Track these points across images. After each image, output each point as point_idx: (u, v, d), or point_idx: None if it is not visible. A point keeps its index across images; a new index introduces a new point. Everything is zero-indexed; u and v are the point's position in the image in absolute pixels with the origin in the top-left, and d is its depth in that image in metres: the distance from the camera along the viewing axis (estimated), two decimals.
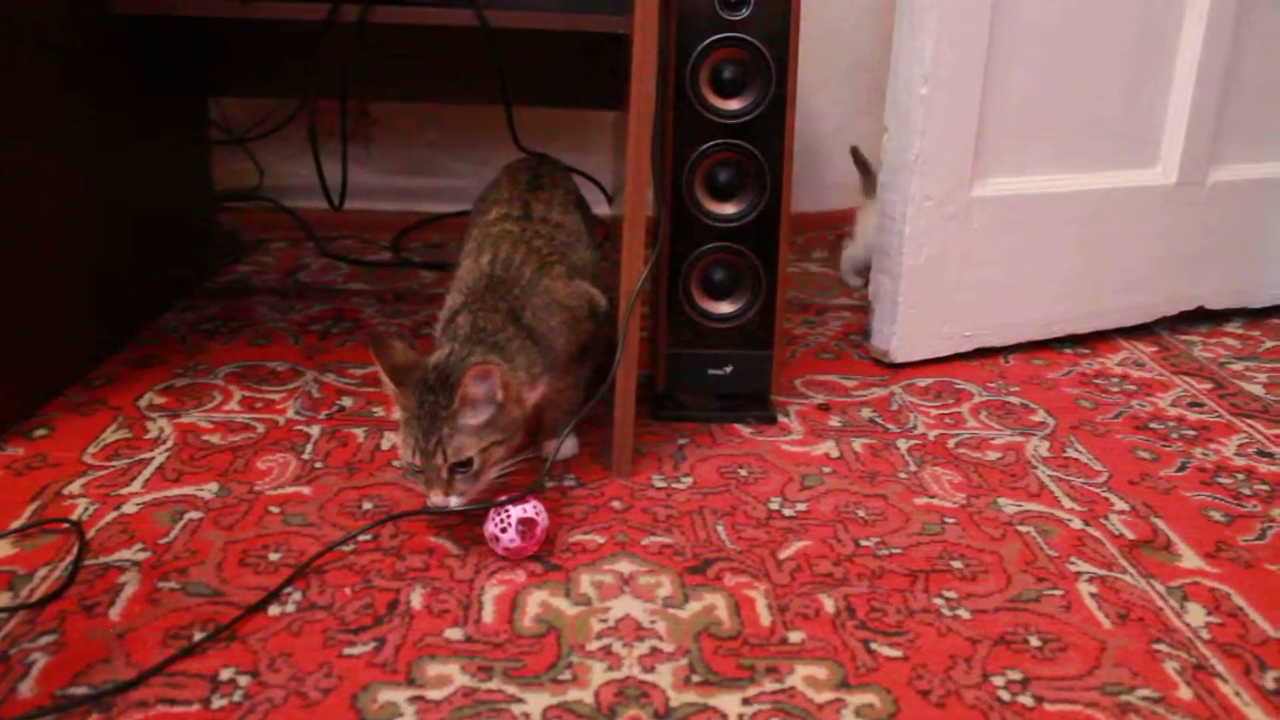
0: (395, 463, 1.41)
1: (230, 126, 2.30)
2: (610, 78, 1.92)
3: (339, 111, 2.08)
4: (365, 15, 1.71)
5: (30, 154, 1.53)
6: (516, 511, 1.21)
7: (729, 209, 1.53)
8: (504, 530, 1.21)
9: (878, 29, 2.37)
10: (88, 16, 1.67)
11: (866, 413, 1.65)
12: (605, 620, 1.12)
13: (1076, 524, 1.36)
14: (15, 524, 1.27)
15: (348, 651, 1.06)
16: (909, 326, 1.80)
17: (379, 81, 2.15)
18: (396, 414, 1.24)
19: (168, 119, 2.02)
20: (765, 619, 1.14)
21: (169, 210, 2.01)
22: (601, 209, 2.27)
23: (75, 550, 1.22)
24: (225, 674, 1.03)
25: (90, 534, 1.25)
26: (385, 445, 1.48)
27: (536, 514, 1.22)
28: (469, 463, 1.20)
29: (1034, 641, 1.12)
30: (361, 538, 1.25)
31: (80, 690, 1.00)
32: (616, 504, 1.35)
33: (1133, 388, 1.79)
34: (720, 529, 1.31)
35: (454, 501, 1.21)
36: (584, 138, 2.29)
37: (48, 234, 1.57)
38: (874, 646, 1.10)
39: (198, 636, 1.07)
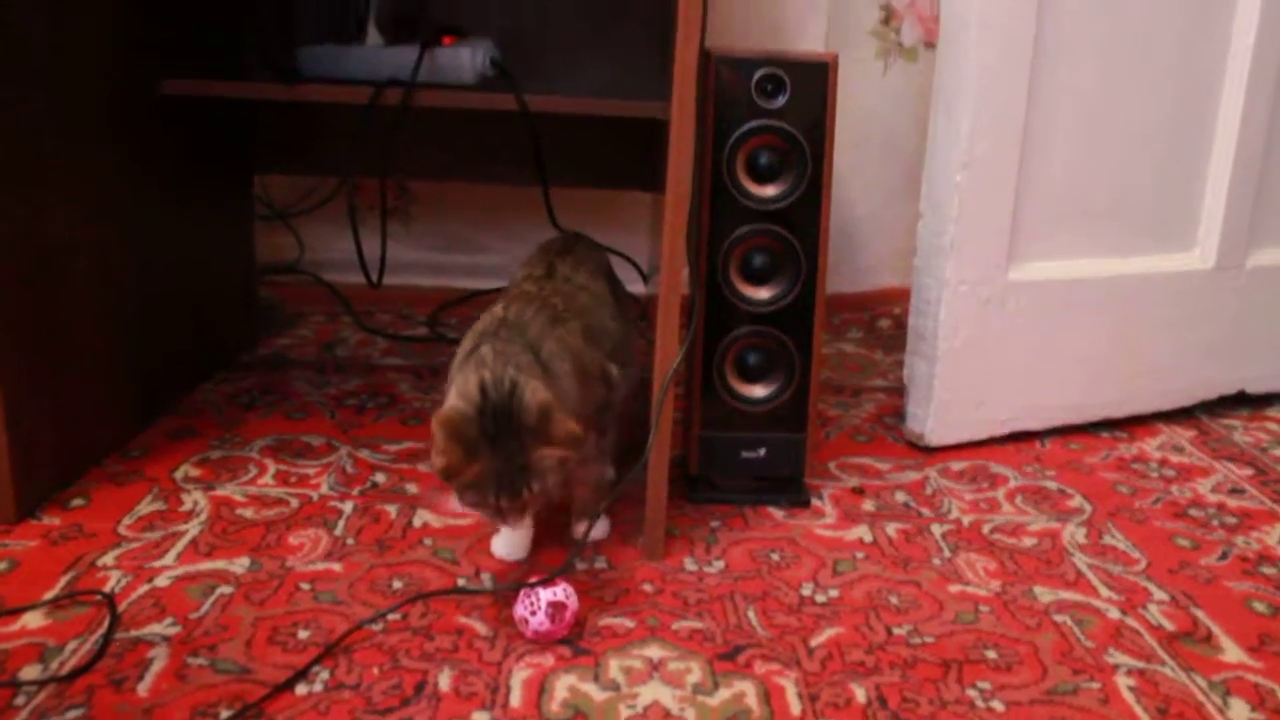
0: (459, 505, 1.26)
1: (272, 202, 2.34)
2: (647, 160, 1.95)
3: (379, 189, 2.12)
4: (408, 99, 1.75)
5: (75, 227, 1.56)
6: (546, 595, 1.21)
7: (764, 293, 1.53)
8: (533, 613, 1.20)
9: (913, 113, 2.39)
10: (135, 94, 1.71)
11: (900, 497, 1.64)
12: (633, 707, 1.11)
13: (1114, 614, 1.34)
14: (49, 595, 1.28)
15: None
16: (944, 410, 1.79)
17: (419, 160, 2.19)
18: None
19: (212, 195, 2.06)
20: (795, 708, 1.12)
21: (210, 283, 2.04)
22: (637, 287, 2.29)
23: (106, 623, 1.22)
24: None
25: (122, 607, 1.26)
26: (417, 523, 1.48)
27: (566, 597, 1.21)
28: (534, 493, 1.20)
29: None
30: (391, 617, 1.25)
31: None
32: (647, 587, 1.35)
33: (1172, 473, 1.77)
34: (751, 614, 1.29)
35: (526, 521, 1.32)
36: (621, 218, 2.31)
37: (90, 304, 1.60)
38: None
39: (224, 715, 1.07)
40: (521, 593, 1.22)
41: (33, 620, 1.23)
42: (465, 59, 1.85)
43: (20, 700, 1.09)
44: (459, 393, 1.20)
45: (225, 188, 2.12)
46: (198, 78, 1.81)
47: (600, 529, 1.45)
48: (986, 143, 1.70)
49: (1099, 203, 1.84)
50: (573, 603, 1.22)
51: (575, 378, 1.32)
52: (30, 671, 1.14)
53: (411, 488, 1.58)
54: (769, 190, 1.52)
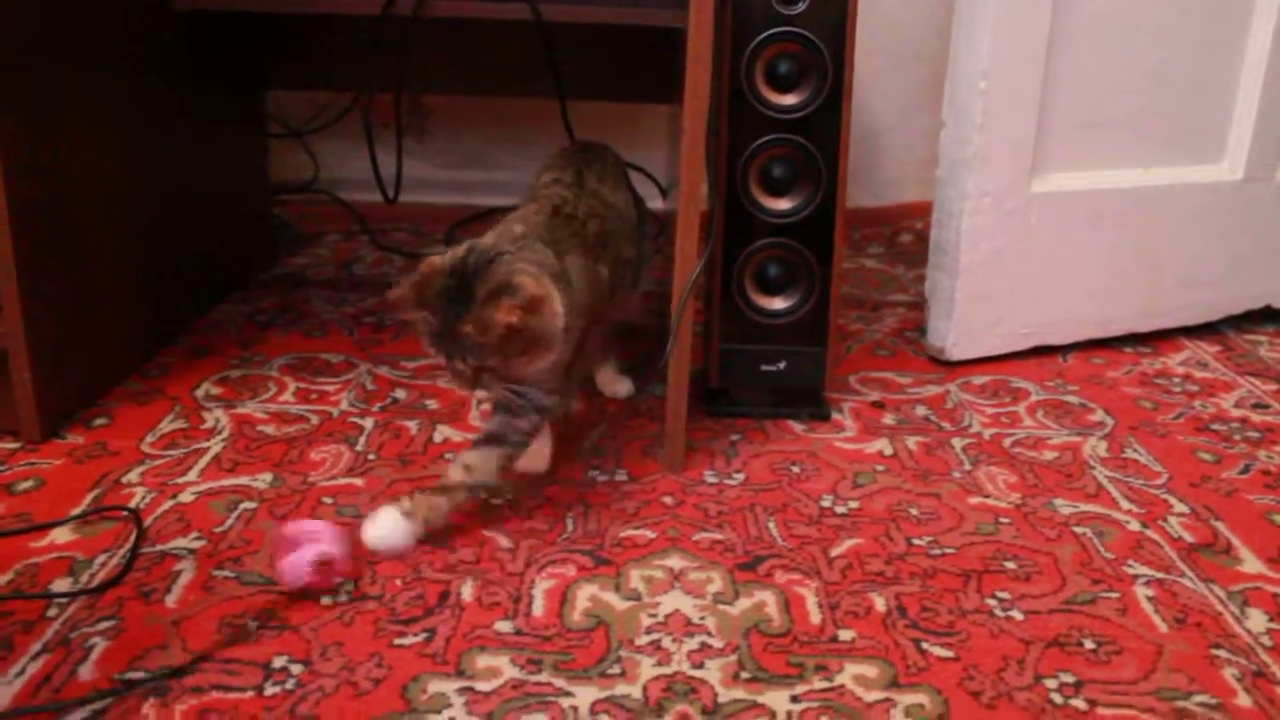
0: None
1: (287, 120, 2.32)
2: (665, 72, 1.91)
3: (395, 105, 2.09)
4: (420, 9, 1.72)
5: (91, 150, 1.55)
6: (312, 553, 1.13)
7: (783, 204, 1.52)
8: (298, 566, 1.13)
9: (935, 21, 2.34)
10: (147, 13, 1.69)
11: (921, 410, 1.63)
12: (655, 615, 1.12)
13: (1134, 526, 1.33)
14: (75, 511, 1.29)
15: (398, 642, 1.07)
16: (966, 324, 1.78)
17: (434, 75, 2.16)
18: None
19: (226, 113, 2.04)
20: (815, 617, 1.13)
21: (226, 203, 2.03)
22: (656, 203, 2.27)
23: (133, 538, 1.23)
24: (278, 662, 1.04)
25: (148, 522, 1.27)
26: (438, 438, 1.48)
27: (334, 545, 1.15)
28: (488, 369, 1.18)
29: (1088, 644, 1.10)
30: None
31: (137, 674, 1.02)
32: (668, 499, 1.35)
33: (1195, 388, 1.76)
34: (772, 526, 1.30)
35: (479, 394, 1.27)
36: (638, 132, 2.28)
37: (108, 226, 1.59)
38: (925, 646, 1.09)
39: (251, 625, 1.08)
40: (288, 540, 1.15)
41: (61, 535, 1.24)
42: None
43: (52, 612, 1.11)
44: (451, 250, 1.20)
45: (238, 105, 2.10)
46: None
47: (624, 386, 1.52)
48: (1010, 49, 1.66)
49: (1126, 113, 1.81)
50: (340, 556, 1.15)
51: (586, 309, 1.28)
52: (61, 584, 1.15)
53: (431, 404, 1.58)
54: (788, 99, 1.50)
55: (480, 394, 1.21)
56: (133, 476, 1.37)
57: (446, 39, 2.08)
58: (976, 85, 1.67)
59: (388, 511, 1.21)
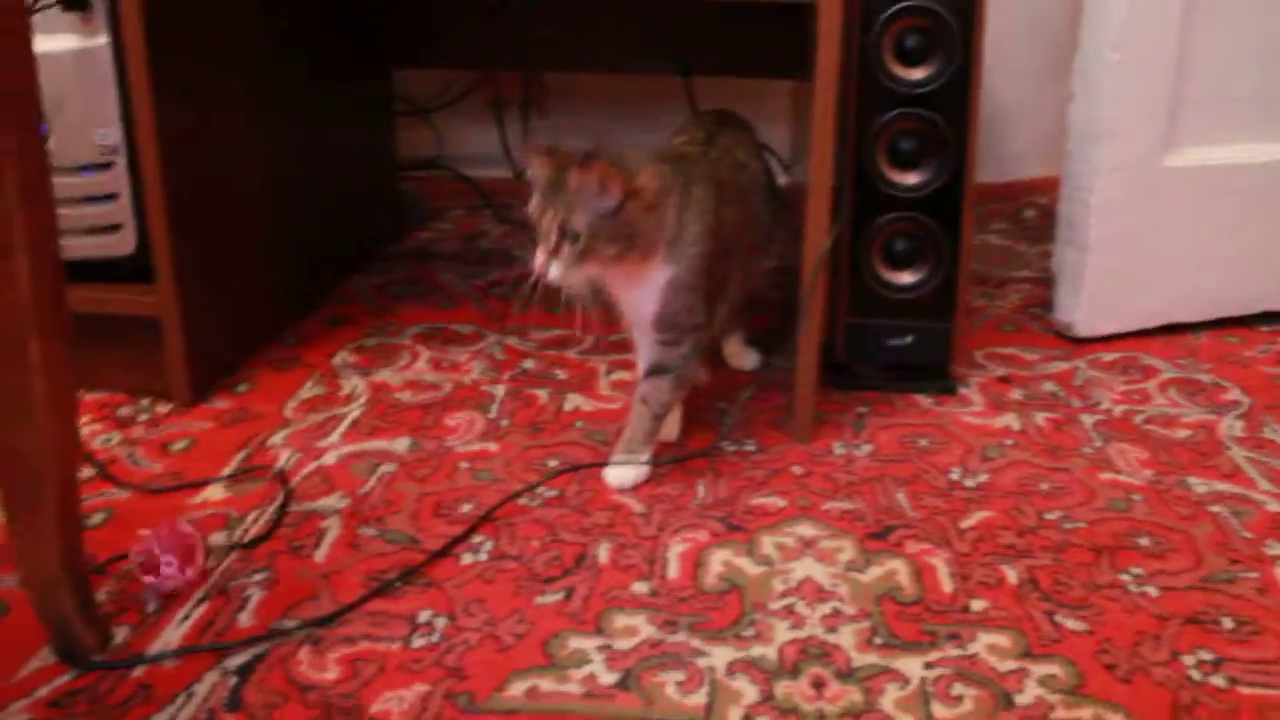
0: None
1: (413, 98, 2.37)
2: (787, 46, 1.92)
3: (519, 83, 2.13)
4: None
5: (237, 129, 1.61)
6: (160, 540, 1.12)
7: (911, 179, 1.51)
8: (162, 572, 1.11)
9: None
10: None
11: (1049, 387, 1.62)
12: (787, 581, 1.14)
13: (1273, 506, 1.31)
14: (226, 470, 1.35)
15: (538, 600, 1.10)
16: (1094, 300, 1.75)
17: (557, 52, 2.19)
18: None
19: (357, 92, 2.10)
20: (947, 586, 1.14)
21: (357, 179, 2.09)
22: (779, 179, 2.27)
23: (281, 497, 1.29)
24: (423, 616, 1.08)
25: (293, 482, 1.32)
26: (568, 406, 1.51)
27: (190, 533, 1.14)
28: (576, 237, 1.21)
29: (1227, 623, 1.09)
30: (548, 494, 1.29)
31: (292, 623, 1.06)
32: (797, 469, 1.36)
33: None
34: (901, 497, 1.30)
35: (553, 270, 1.22)
36: (760, 108, 2.27)
37: (251, 202, 1.66)
38: (1058, 619, 1.09)
39: (396, 580, 1.13)
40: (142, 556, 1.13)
41: (214, 493, 1.31)
42: None
43: (211, 563, 1.16)
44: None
45: (368, 84, 2.16)
46: None
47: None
48: (1143, 20, 1.63)
49: (1262, 85, 1.75)
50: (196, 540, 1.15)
51: (710, 233, 1.31)
52: (216, 539, 1.21)
53: (560, 374, 1.61)
54: (917, 73, 1.49)
55: (554, 272, 1.21)
56: (277, 439, 1.43)
57: (569, 17, 2.11)
58: (1108, 57, 1.64)
59: (617, 467, 1.33)
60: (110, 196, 1.49)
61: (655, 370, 1.34)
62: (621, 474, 1.33)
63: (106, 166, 1.48)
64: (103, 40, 1.43)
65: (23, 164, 0.89)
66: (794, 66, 1.93)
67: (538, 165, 1.25)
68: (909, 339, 1.56)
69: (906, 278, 1.55)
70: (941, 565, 1.17)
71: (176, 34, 1.44)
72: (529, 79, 2.21)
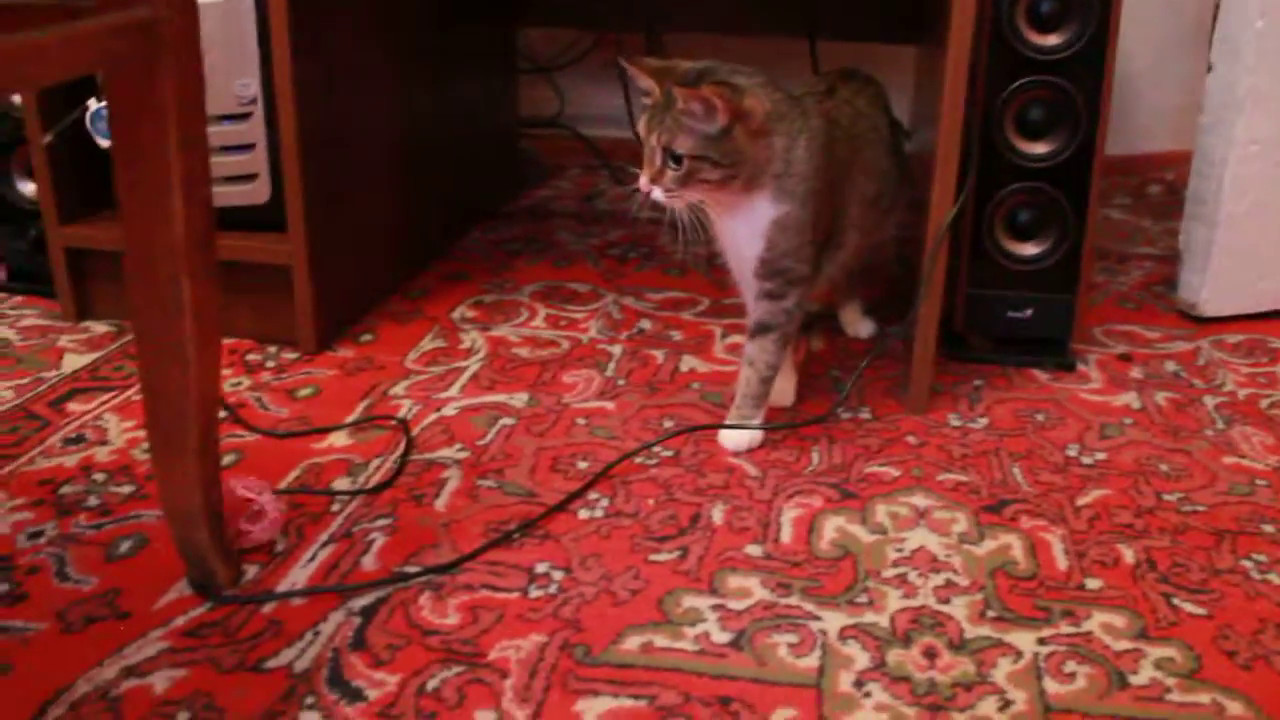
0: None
1: (533, 56, 2.39)
2: (912, 11, 1.89)
3: (642, 43, 2.13)
4: None
5: (365, 82, 1.65)
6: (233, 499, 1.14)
7: (1039, 148, 1.49)
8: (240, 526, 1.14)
9: None
10: None
11: (1170, 366, 1.58)
12: (901, 550, 1.14)
13: None
14: (350, 418, 1.40)
15: (653, 558, 1.12)
16: (1221, 279, 1.71)
17: (679, 13, 2.19)
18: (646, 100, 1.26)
19: (481, 49, 2.12)
20: (1062, 563, 1.13)
21: (479, 136, 2.12)
22: None
23: (403, 445, 1.32)
24: (541, 567, 1.10)
25: (415, 432, 1.36)
26: (684, 368, 1.53)
27: (253, 494, 1.16)
28: (679, 160, 1.20)
29: None
30: (664, 454, 1.31)
31: (413, 569, 1.10)
32: (911, 439, 1.36)
33: None
34: (1016, 471, 1.29)
35: (657, 192, 1.23)
36: (883, 72, 2.25)
37: (376, 155, 1.69)
38: (1176, 601, 1.08)
39: (515, 530, 1.16)
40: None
41: (338, 440, 1.35)
42: None
43: (335, 508, 1.20)
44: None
45: (493, 42, 2.18)
46: None
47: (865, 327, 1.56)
48: None
49: None
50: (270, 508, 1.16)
51: (822, 170, 1.29)
52: (341, 483, 1.25)
53: (676, 334, 1.62)
54: (1050, 39, 1.46)
55: (657, 194, 1.22)
56: (399, 390, 1.46)
57: None
58: (1252, 23, 1.59)
59: (732, 430, 1.33)
60: (247, 146, 1.53)
61: (760, 329, 1.33)
62: (736, 437, 1.33)
63: (245, 117, 1.52)
64: None
65: (182, 109, 0.92)
66: (917, 32, 1.90)
67: (646, 83, 1.25)
68: (1029, 312, 1.54)
69: (1029, 249, 1.52)
70: (1056, 542, 1.16)
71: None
72: (651, 39, 2.21)
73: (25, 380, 1.49)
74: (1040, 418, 1.42)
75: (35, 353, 1.58)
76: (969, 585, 1.09)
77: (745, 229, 1.28)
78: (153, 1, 0.86)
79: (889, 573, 1.10)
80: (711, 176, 1.21)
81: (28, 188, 1.72)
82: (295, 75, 1.45)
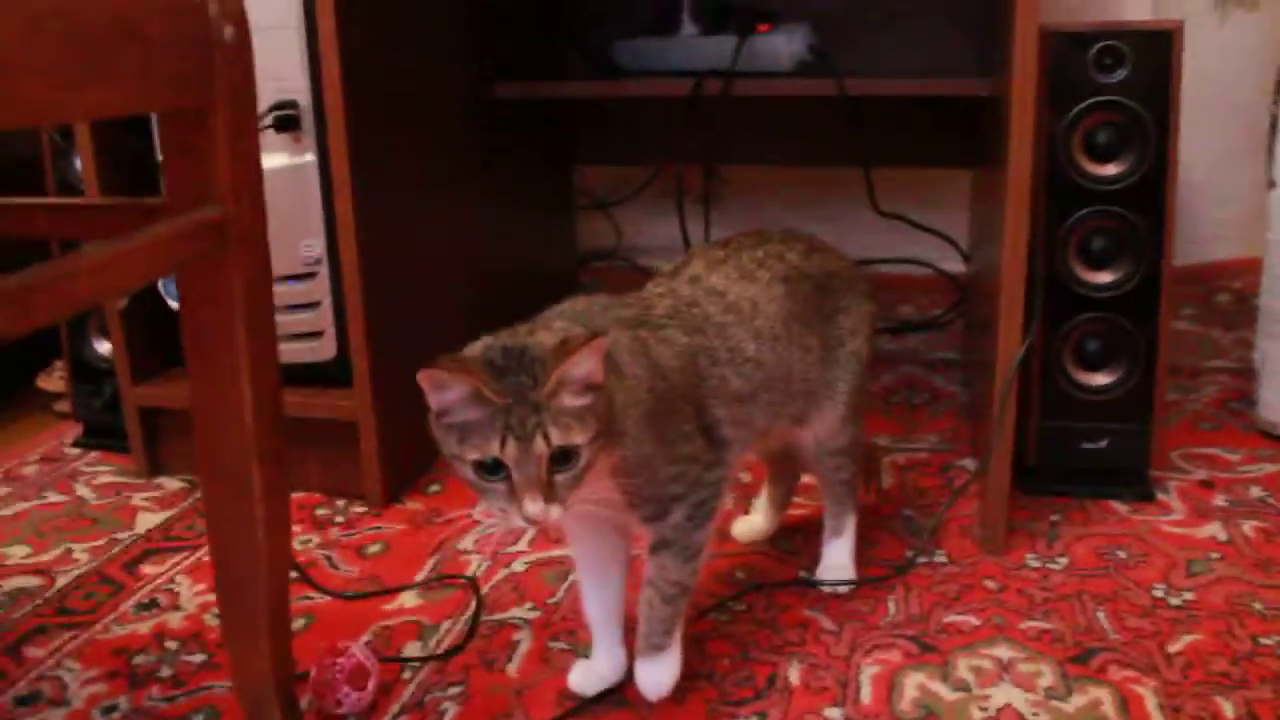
0: (460, 466, 0.97)
1: (593, 192, 2.42)
2: (967, 136, 1.90)
3: (696, 174, 2.16)
4: (727, 89, 1.77)
5: (428, 236, 1.68)
6: (344, 663, 1.13)
7: (1104, 278, 1.47)
8: (341, 693, 1.12)
9: (1254, 67, 2.21)
10: (475, 101, 1.81)
11: (1256, 491, 1.54)
12: (985, 709, 1.10)
13: None
14: (419, 575, 1.39)
15: None
16: None
17: (734, 146, 2.21)
18: (460, 417, 0.95)
19: (541, 187, 2.16)
20: (1157, 719, 1.08)
21: (540, 273, 2.14)
22: (955, 265, 2.24)
23: (473, 606, 1.31)
24: None
25: (484, 589, 1.35)
26: (755, 512, 1.51)
27: (366, 659, 1.14)
28: (575, 455, 0.95)
29: None
30: (736, 608, 1.29)
31: None
32: (990, 583, 1.32)
33: None
34: (1101, 616, 1.25)
35: (555, 512, 0.94)
36: (938, 196, 2.26)
37: (442, 302, 1.71)
38: None
39: (590, 700, 1.13)
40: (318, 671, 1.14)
41: (408, 600, 1.34)
42: (782, 45, 1.87)
43: (406, 675, 1.19)
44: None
45: (550, 179, 2.22)
46: (523, 78, 1.90)
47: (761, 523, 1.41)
48: None
49: None
50: (372, 664, 1.14)
51: (655, 376, 1.06)
52: (411, 648, 1.24)
53: (745, 476, 1.60)
54: (1109, 169, 1.46)
55: (553, 513, 0.94)
56: (467, 544, 1.46)
57: (747, 112, 2.13)
58: None
59: (646, 668, 1.11)
60: (313, 304, 1.56)
61: (655, 547, 1.10)
62: (655, 677, 1.11)
63: (310, 276, 1.55)
64: (310, 158, 1.51)
65: (250, 300, 0.93)
66: (973, 156, 1.91)
67: (464, 387, 0.93)
68: (1104, 442, 1.51)
69: (1100, 379, 1.50)
70: (1149, 695, 1.12)
71: (377, 148, 1.51)
72: (709, 171, 2.24)
73: (100, 541, 1.51)
74: (1122, 555, 1.38)
75: (110, 512, 1.60)
76: None
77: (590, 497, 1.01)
78: (223, 199, 0.88)
79: None
80: (595, 455, 0.97)
81: (103, 347, 1.76)
82: (360, 235, 1.48)
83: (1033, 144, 1.29)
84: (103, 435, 1.81)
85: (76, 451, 1.81)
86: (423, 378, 0.94)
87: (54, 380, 1.95)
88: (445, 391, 0.95)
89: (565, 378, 0.93)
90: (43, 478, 1.72)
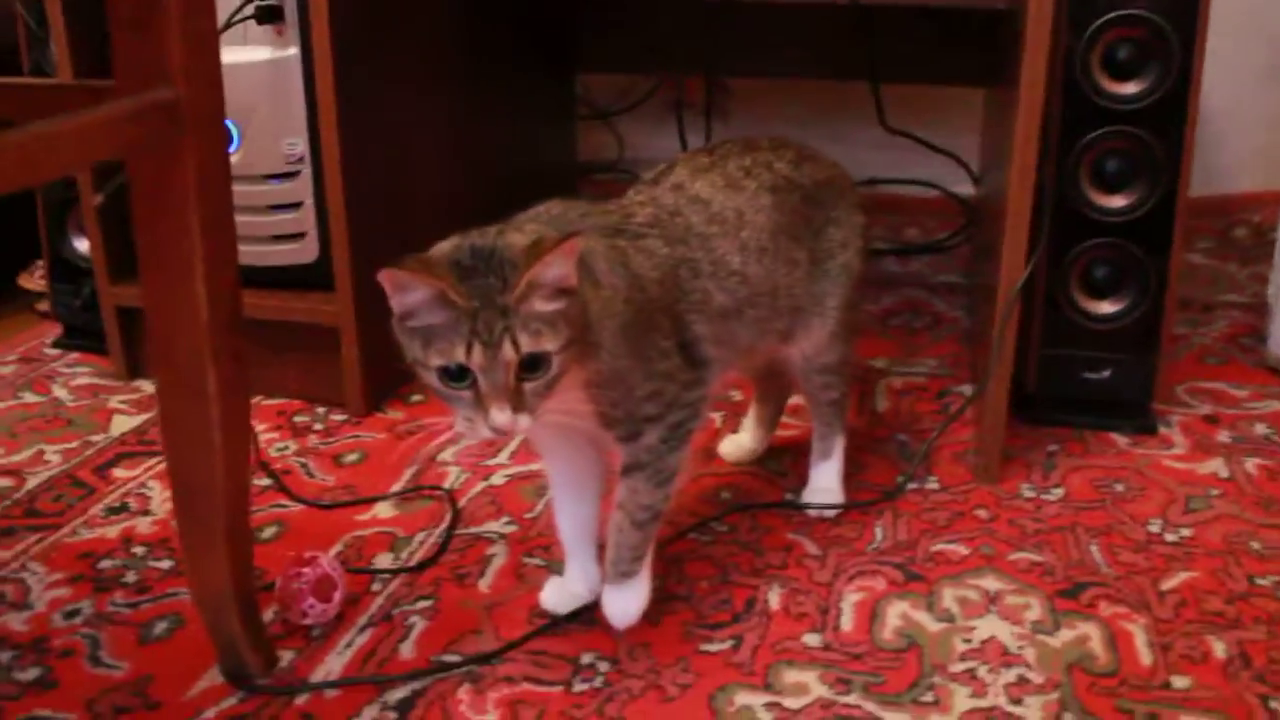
0: (424, 373, 0.93)
1: (593, 101, 2.35)
2: (979, 53, 1.82)
3: (700, 86, 2.09)
4: None
5: (417, 137, 1.62)
6: (310, 573, 1.10)
7: (1117, 201, 1.41)
8: (306, 603, 1.09)
9: None
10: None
11: (1261, 429, 1.49)
12: (969, 640, 1.07)
13: None
14: (395, 487, 1.36)
15: (705, 648, 1.06)
16: None
17: (741, 56, 2.14)
18: (424, 320, 0.91)
19: (540, 95, 2.09)
20: (1146, 658, 1.05)
21: (537, 183, 2.08)
22: (962, 188, 2.18)
23: (448, 518, 1.28)
24: (586, 658, 1.05)
25: (461, 502, 1.31)
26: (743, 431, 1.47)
27: (332, 570, 1.11)
28: (544, 362, 0.90)
29: None
30: (719, 529, 1.25)
31: (453, 658, 1.05)
32: (981, 512, 1.28)
33: None
34: (1094, 550, 1.21)
35: (523, 421, 0.90)
36: (949, 116, 2.18)
37: (430, 208, 1.66)
38: (1273, 704, 0.99)
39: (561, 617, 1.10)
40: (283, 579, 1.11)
41: (383, 511, 1.31)
42: None
43: (376, 586, 1.16)
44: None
45: (549, 85, 2.15)
46: None
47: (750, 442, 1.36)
48: None
49: None
50: (339, 578, 1.11)
51: (633, 285, 1.00)
52: (383, 560, 1.21)
53: (736, 394, 1.55)
54: (1128, 88, 1.39)
55: (522, 422, 0.90)
56: (447, 455, 1.42)
57: (753, 21, 2.05)
58: None
59: (613, 594, 1.06)
60: (295, 205, 1.51)
61: (628, 468, 1.04)
62: (621, 605, 1.06)
63: (293, 175, 1.50)
64: (293, 51, 1.45)
65: (204, 191, 0.88)
66: (986, 74, 1.83)
67: (426, 289, 0.89)
68: (1107, 372, 1.46)
69: (1106, 307, 1.44)
70: (1139, 632, 1.08)
71: (364, 44, 1.45)
72: (713, 83, 2.17)
73: (74, 444, 1.48)
74: (1120, 488, 1.34)
75: (86, 414, 1.56)
76: (1043, 682, 1.01)
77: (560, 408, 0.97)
78: (174, 80, 0.82)
79: (956, 667, 1.03)
80: (567, 364, 0.92)
81: (82, 245, 1.71)
82: (343, 132, 1.42)
83: (1048, 57, 1.23)
84: (82, 336, 1.76)
85: (56, 352, 1.77)
86: (384, 278, 0.90)
87: (35, 280, 1.91)
88: (408, 293, 0.90)
89: (536, 280, 0.88)
90: (20, 378, 1.68)
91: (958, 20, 1.74)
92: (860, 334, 1.33)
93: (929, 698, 0.99)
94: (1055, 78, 1.38)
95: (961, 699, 0.99)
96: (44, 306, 1.87)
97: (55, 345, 1.79)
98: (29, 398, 1.62)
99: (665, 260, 1.05)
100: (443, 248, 0.94)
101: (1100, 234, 1.42)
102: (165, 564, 1.21)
